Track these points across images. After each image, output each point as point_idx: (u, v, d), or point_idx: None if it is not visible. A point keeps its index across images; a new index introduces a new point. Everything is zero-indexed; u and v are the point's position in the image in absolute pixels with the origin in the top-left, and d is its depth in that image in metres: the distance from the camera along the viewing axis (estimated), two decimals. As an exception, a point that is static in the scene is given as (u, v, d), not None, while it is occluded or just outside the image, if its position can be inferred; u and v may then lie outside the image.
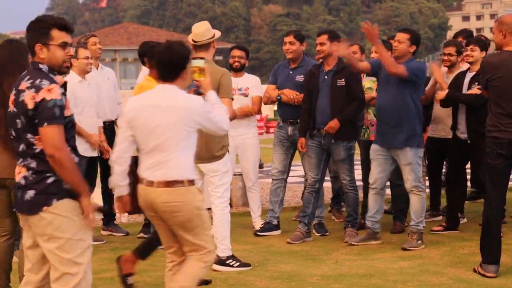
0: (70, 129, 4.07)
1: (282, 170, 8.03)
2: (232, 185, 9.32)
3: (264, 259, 6.90)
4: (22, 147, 4.04)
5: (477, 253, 6.28)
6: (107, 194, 8.06)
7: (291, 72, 7.89)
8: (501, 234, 6.36)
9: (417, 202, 7.14)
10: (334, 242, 7.56)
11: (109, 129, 7.96)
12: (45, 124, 3.90)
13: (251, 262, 6.70)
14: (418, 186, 7.16)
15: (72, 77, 7.33)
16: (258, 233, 7.91)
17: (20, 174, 4.05)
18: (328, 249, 7.25)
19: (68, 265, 3.98)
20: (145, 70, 7.46)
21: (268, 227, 7.98)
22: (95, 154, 7.56)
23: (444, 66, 8.00)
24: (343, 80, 7.36)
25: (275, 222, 8.04)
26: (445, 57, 7.94)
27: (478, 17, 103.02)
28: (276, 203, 8.03)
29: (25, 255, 4.21)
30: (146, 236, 7.80)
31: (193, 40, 6.48)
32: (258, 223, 8.12)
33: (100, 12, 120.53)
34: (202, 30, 6.46)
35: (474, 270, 6.17)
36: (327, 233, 7.86)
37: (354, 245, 7.31)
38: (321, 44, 7.43)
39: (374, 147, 7.32)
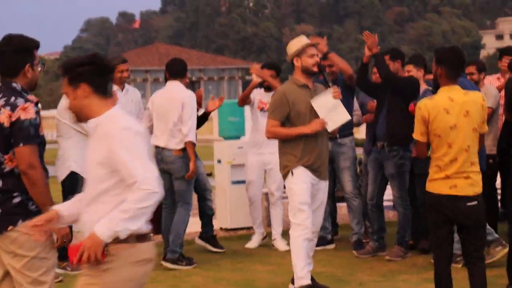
0: (42, 148, 4.07)
1: None
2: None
3: (287, 281, 6.82)
4: None
5: (505, 275, 6.16)
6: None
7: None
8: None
9: None
10: (360, 263, 7.48)
11: None
12: (21, 144, 3.94)
13: (273, 283, 6.61)
14: None
15: None
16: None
17: None
18: (353, 270, 7.17)
19: (33, 284, 3.98)
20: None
21: (321, 242, 7.96)
22: None
23: None
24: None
25: (328, 237, 8.21)
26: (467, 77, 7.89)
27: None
28: (324, 219, 7.94)
29: None
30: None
31: None
32: (278, 241, 8.08)
33: (133, 33, 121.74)
34: (287, 48, 6.35)
35: (501, 293, 6.02)
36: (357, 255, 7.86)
37: (392, 260, 7.37)
38: None
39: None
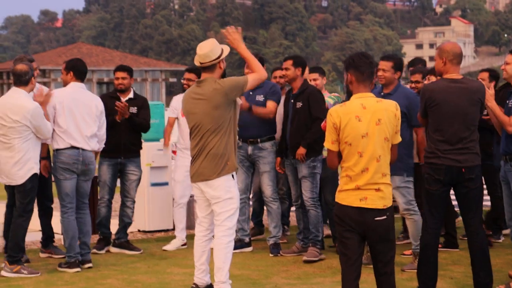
0: None
1: (245, 189, 8.21)
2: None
3: (203, 283, 6.82)
4: None
5: (415, 278, 6.30)
6: (45, 213, 7.91)
7: (251, 92, 7.98)
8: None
9: (412, 226, 7.12)
10: (276, 266, 7.53)
11: None
12: None
13: (188, 286, 6.59)
14: (409, 209, 7.11)
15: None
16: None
17: None
18: (269, 273, 7.21)
19: None
20: None
21: (239, 244, 8.08)
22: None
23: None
24: (300, 103, 7.71)
25: (246, 239, 8.26)
26: (413, 85, 8.06)
27: (431, 45, 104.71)
28: (244, 221, 8.21)
29: None
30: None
31: (199, 62, 6.14)
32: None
33: (55, 31, 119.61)
34: (206, 51, 6.07)
35: (412, 296, 6.13)
36: (279, 254, 8.02)
37: (308, 261, 7.57)
38: (286, 69, 7.82)
39: None
